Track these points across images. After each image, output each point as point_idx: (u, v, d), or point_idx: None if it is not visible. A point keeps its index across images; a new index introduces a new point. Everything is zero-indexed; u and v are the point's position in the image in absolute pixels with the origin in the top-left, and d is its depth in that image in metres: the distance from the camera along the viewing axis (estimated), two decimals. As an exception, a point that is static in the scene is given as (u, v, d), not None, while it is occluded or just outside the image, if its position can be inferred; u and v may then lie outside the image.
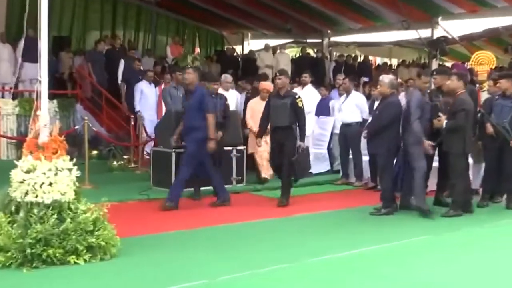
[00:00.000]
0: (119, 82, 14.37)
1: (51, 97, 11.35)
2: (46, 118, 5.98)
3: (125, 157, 12.00)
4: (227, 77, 11.59)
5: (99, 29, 19.61)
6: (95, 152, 12.25)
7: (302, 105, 9.01)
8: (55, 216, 5.73)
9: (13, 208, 5.84)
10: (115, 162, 11.51)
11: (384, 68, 21.10)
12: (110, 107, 14.34)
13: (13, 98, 13.52)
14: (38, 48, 14.25)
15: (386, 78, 8.59)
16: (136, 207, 8.66)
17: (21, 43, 13.54)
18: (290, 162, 8.82)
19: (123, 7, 20.15)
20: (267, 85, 10.74)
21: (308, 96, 11.09)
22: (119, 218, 6.48)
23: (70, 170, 5.95)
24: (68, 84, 16.25)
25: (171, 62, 16.09)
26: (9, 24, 16.60)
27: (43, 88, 6.00)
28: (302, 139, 8.93)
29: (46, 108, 6.00)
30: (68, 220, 5.76)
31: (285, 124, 8.88)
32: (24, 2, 14.68)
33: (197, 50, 21.30)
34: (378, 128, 8.51)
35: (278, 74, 9.29)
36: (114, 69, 14.87)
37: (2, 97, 13.82)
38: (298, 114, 8.90)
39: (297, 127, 8.94)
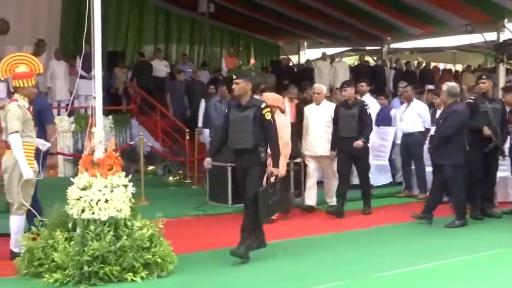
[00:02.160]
0: (200, 124, 13.22)
1: (106, 113, 11.63)
2: (101, 135, 6.13)
3: (181, 172, 12.15)
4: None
5: (153, 43, 20.02)
6: (151, 167, 12.47)
7: (272, 117, 6.90)
8: (112, 233, 5.86)
9: (70, 225, 6.01)
10: (170, 178, 11.68)
11: (448, 75, 20.74)
12: (165, 121, 14.56)
13: (69, 115, 13.89)
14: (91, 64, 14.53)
15: (444, 86, 8.56)
16: (193, 223, 8.77)
17: (79, 60, 13.95)
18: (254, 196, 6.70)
19: (176, 20, 20.55)
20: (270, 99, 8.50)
21: (367, 105, 11.04)
22: (175, 234, 6.57)
23: (125, 186, 6.09)
24: (123, 99, 16.64)
25: (226, 74, 16.26)
26: (63, 41, 17.13)
27: (98, 104, 6.16)
28: (275, 164, 6.95)
29: (101, 125, 6.17)
30: (125, 237, 5.88)
31: (247, 146, 6.86)
32: (80, 19, 15.23)
33: (253, 60, 21.47)
34: (441, 139, 8.42)
35: (235, 78, 7.23)
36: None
37: (58, 114, 14.22)
38: (265, 129, 6.84)
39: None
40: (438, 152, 8.53)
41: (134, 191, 6.20)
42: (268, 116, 6.81)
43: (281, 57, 20.87)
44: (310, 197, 9.67)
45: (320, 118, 9.61)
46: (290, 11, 18.06)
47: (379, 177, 11.45)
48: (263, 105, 6.86)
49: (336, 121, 9.38)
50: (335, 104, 9.95)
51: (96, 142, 6.11)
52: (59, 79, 14.76)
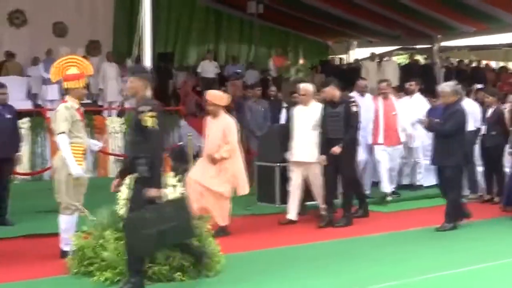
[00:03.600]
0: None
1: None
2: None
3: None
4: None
5: (202, 44, 20.20)
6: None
7: (153, 122, 5.42)
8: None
9: (120, 225, 6.12)
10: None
11: (502, 73, 20.33)
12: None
13: (120, 116, 14.15)
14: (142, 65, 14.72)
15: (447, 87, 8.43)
16: (242, 222, 8.79)
17: (129, 62, 14.28)
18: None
19: (226, 20, 20.70)
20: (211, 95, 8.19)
21: (416, 105, 10.90)
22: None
23: (174, 186, 6.16)
24: (172, 100, 16.84)
25: (275, 73, 16.31)
26: (116, 43, 17.45)
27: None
28: (151, 183, 5.47)
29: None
30: (173, 236, 5.95)
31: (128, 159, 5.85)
32: (131, 21, 15.51)
33: (302, 60, 21.46)
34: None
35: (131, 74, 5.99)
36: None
37: (109, 115, 14.49)
38: (145, 138, 5.49)
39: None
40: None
41: (183, 192, 6.26)
42: (146, 123, 5.42)
43: (331, 56, 20.78)
44: (291, 210, 8.76)
45: (306, 121, 8.66)
46: (339, 11, 18.00)
47: (429, 177, 11.27)
48: (141, 108, 5.52)
49: (323, 121, 8.56)
50: None
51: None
52: (110, 80, 15.06)
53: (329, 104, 8.60)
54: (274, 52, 19.43)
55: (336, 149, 8.33)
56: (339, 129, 8.42)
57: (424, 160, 11.08)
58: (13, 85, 14.80)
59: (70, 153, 6.55)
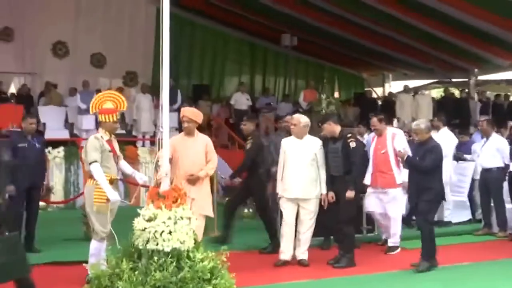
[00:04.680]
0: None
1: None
2: (167, 168, 6.34)
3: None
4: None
5: (238, 76, 20.47)
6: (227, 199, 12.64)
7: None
8: (174, 264, 6.01)
9: (135, 255, 6.22)
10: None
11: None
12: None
13: (153, 146, 14.36)
14: (175, 97, 15.04)
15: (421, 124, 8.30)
16: (261, 256, 8.81)
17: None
18: None
19: (261, 52, 20.94)
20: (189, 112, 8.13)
21: (443, 139, 10.79)
22: (242, 267, 6.68)
23: (189, 219, 6.25)
24: (206, 132, 17.01)
25: (305, 107, 16.38)
26: (154, 75, 17.83)
27: (165, 137, 6.38)
28: None
29: (167, 158, 6.37)
30: (186, 268, 6.01)
31: None
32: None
33: (337, 94, 21.53)
34: None
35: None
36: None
37: (143, 145, 14.73)
38: None
39: None
40: None
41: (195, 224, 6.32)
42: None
43: (366, 89, 20.80)
44: (284, 250, 8.27)
45: (301, 155, 8.22)
46: (374, 44, 18.05)
47: (458, 213, 11.16)
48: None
49: (325, 158, 8.27)
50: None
51: (162, 174, 6.32)
52: (144, 111, 15.33)
53: (330, 140, 8.38)
54: (306, 85, 19.50)
55: (349, 194, 8.10)
56: (340, 166, 8.22)
57: (452, 196, 10.97)
58: (52, 115, 15.33)
59: (105, 179, 6.81)
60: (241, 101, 17.26)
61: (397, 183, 8.99)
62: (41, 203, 9.89)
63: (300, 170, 8.17)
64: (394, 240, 9.15)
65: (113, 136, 7.23)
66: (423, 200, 8.01)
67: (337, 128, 8.37)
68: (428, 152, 8.05)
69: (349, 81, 22.36)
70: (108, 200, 6.85)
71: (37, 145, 8.63)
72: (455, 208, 11.04)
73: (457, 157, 11.44)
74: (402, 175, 8.92)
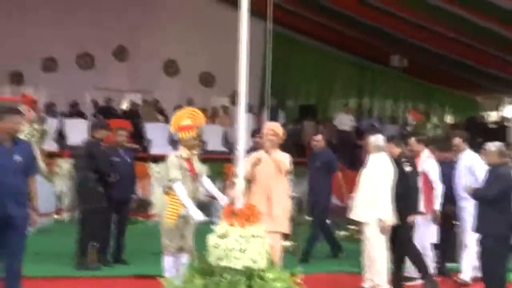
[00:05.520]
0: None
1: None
2: (242, 185, 6.34)
3: (352, 227, 11.97)
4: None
5: (345, 96, 20.33)
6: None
7: None
8: (245, 282, 5.99)
9: (209, 271, 6.25)
10: (341, 233, 11.59)
11: None
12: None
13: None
14: (276, 116, 15.06)
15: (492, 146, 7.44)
16: (346, 279, 8.61)
17: (265, 113, 14.70)
18: None
19: (370, 73, 20.69)
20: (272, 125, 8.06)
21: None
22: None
23: (262, 237, 6.20)
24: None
25: (410, 129, 16.00)
26: (261, 94, 18.03)
27: (240, 155, 6.39)
28: None
29: (242, 175, 6.37)
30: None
31: None
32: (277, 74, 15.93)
33: (449, 117, 20.93)
34: None
35: None
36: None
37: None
38: None
39: None
40: None
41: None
42: None
43: (478, 113, 20.02)
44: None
45: (367, 174, 7.92)
46: (489, 67, 17.35)
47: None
48: None
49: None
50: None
51: (236, 192, 6.32)
52: (246, 130, 15.45)
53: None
54: (412, 106, 19.08)
55: (410, 219, 7.92)
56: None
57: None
58: (158, 132, 15.82)
59: (188, 199, 6.89)
60: (344, 121, 17.07)
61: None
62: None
63: (362, 191, 7.95)
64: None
65: (194, 153, 7.25)
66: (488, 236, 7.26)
67: (396, 150, 8.14)
68: (494, 180, 7.34)
69: (462, 104, 21.58)
70: (178, 217, 6.91)
71: (128, 159, 8.91)
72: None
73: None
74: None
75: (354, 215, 8.01)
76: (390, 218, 7.71)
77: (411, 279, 8.44)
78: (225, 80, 18.71)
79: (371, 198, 7.74)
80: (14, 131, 6.28)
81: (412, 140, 8.67)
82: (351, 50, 19.87)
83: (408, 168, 7.99)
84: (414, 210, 8.04)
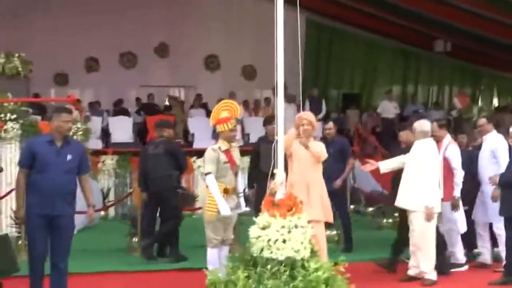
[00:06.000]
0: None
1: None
2: (282, 176, 6.29)
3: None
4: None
5: (389, 84, 20.09)
6: (370, 209, 12.46)
7: None
8: (287, 273, 5.94)
9: (251, 263, 6.23)
10: (384, 220, 11.47)
11: None
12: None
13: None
14: (319, 106, 14.94)
15: None
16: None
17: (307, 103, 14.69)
18: None
19: (414, 59, 20.41)
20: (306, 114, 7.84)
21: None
22: (369, 279, 6.75)
23: (304, 227, 6.15)
24: (354, 141, 16.82)
25: (455, 114, 15.70)
26: (304, 84, 17.96)
27: (280, 146, 6.35)
28: None
29: (282, 166, 6.33)
30: (300, 278, 5.92)
31: None
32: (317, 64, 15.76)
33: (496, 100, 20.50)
34: None
35: None
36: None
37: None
38: None
39: None
40: None
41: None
42: None
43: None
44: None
45: (412, 161, 7.71)
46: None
47: None
48: None
49: None
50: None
51: (277, 183, 6.28)
52: (288, 121, 15.34)
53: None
54: (458, 92, 18.72)
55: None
56: None
57: None
58: (200, 126, 15.90)
59: (218, 191, 6.86)
60: (388, 109, 16.84)
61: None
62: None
63: (407, 178, 7.74)
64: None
65: (233, 145, 7.23)
66: None
67: (411, 138, 8.01)
68: None
69: (511, 87, 21.08)
70: (218, 211, 6.90)
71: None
72: None
73: None
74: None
75: (400, 203, 7.84)
76: (437, 205, 7.55)
77: (459, 265, 8.28)
78: (267, 72, 18.51)
79: (418, 185, 7.56)
80: (64, 130, 6.34)
81: (434, 125, 8.31)
82: (393, 36, 19.61)
83: None
84: None
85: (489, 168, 8.13)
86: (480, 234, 8.51)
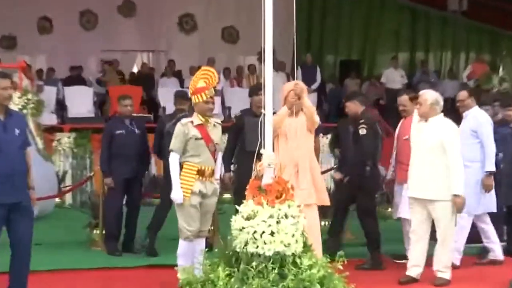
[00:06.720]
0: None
1: (322, 130, 11.73)
2: (271, 157, 6.21)
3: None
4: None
5: (394, 49, 20.04)
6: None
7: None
8: (276, 271, 5.90)
9: (233, 259, 6.18)
10: (389, 209, 11.47)
11: None
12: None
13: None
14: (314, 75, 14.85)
15: None
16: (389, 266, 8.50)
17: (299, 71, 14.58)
18: None
19: (423, 20, 20.36)
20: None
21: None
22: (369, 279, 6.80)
23: (296, 217, 6.09)
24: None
25: (472, 84, 15.68)
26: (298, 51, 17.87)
27: (267, 122, 6.28)
28: None
29: (270, 145, 6.26)
30: (291, 276, 5.88)
31: None
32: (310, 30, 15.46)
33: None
34: None
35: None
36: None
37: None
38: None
39: None
40: None
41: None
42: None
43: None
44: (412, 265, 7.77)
45: (424, 143, 7.52)
46: None
47: None
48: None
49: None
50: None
51: (264, 164, 6.20)
52: (276, 91, 15.26)
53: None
54: (474, 58, 18.74)
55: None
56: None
57: None
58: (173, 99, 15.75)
59: (176, 174, 6.84)
60: (393, 78, 16.81)
61: None
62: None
63: (421, 163, 7.52)
64: None
65: (212, 121, 7.12)
66: None
67: (360, 109, 8.28)
68: None
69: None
70: (191, 193, 6.82)
71: (136, 131, 8.82)
72: None
73: None
74: None
75: (421, 193, 7.54)
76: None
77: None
78: (251, 35, 18.50)
79: (441, 171, 7.37)
80: (3, 98, 6.16)
81: (404, 97, 8.37)
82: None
83: (362, 131, 8.19)
84: None
85: (469, 149, 8.01)
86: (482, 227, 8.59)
